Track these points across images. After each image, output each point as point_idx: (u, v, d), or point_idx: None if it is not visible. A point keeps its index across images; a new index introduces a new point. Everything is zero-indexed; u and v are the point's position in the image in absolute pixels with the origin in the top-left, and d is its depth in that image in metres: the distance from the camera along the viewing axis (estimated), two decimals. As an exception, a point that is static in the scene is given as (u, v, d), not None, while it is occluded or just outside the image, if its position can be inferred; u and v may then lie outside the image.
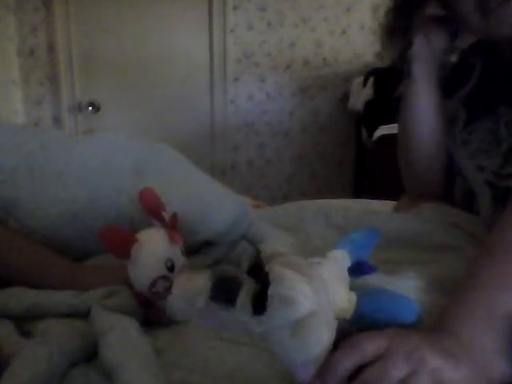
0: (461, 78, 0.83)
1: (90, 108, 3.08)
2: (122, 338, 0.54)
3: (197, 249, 0.90)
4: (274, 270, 0.42)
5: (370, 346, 0.44)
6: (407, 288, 0.55)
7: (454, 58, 0.83)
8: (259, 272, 0.42)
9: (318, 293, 0.42)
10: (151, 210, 0.68)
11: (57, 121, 3.09)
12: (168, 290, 0.64)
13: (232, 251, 0.92)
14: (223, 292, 0.42)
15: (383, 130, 2.51)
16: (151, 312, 0.66)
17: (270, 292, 0.40)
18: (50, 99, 3.06)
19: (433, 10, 0.76)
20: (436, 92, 0.80)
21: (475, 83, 0.81)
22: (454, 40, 0.78)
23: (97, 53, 3.04)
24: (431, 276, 0.60)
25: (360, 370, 0.43)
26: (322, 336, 0.42)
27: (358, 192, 3.22)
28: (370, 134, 2.89)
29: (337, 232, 0.93)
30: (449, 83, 0.82)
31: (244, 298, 0.41)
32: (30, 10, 2.91)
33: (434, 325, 0.49)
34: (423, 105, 0.79)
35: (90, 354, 0.57)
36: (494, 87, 0.76)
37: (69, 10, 2.93)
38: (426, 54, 0.77)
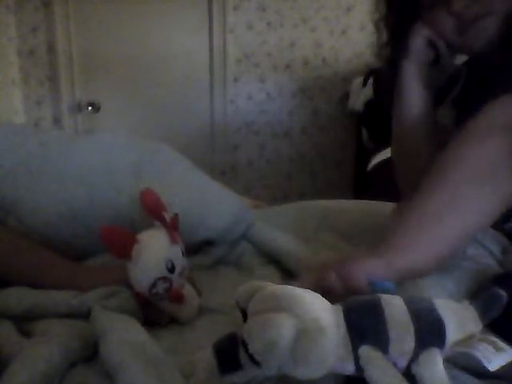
0: (450, 84, 0.87)
1: (90, 108, 3.08)
2: (123, 338, 0.54)
3: (197, 249, 0.90)
4: (245, 327, 0.45)
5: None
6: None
7: (453, 61, 0.85)
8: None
9: (300, 316, 0.45)
10: (152, 210, 0.68)
11: (57, 121, 3.09)
12: (168, 290, 0.64)
13: (232, 251, 0.93)
14: (229, 362, 0.45)
15: (378, 159, 2.47)
16: (151, 312, 0.66)
17: (249, 352, 0.43)
18: (50, 99, 3.06)
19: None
20: (427, 93, 0.82)
21: (462, 87, 0.85)
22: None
23: (97, 53, 3.04)
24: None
25: None
26: (319, 353, 0.44)
27: (358, 192, 3.22)
28: (370, 135, 2.89)
29: (336, 233, 0.93)
30: (439, 91, 0.85)
31: (244, 359, 0.44)
32: (30, 10, 2.91)
33: None
34: (415, 103, 0.82)
35: (90, 354, 0.57)
36: (478, 88, 0.78)
37: (69, 10, 2.93)
38: (419, 53, 0.79)
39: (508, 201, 0.63)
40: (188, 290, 0.69)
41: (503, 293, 0.49)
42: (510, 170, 0.61)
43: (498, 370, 0.45)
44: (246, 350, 0.44)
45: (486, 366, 0.45)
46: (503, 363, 0.45)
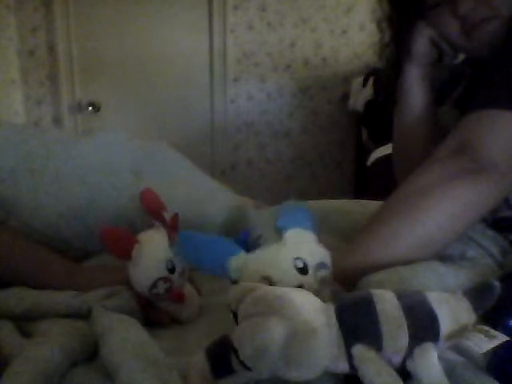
0: (452, 84, 0.86)
1: (90, 108, 3.08)
2: (123, 338, 0.54)
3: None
4: (235, 333, 0.45)
5: None
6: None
7: (455, 61, 0.85)
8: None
9: (291, 318, 0.44)
10: (152, 210, 0.68)
11: (57, 121, 3.09)
12: (168, 291, 0.64)
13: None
14: (222, 367, 0.45)
15: (378, 153, 2.47)
16: (151, 313, 0.66)
17: (240, 358, 0.43)
18: (50, 99, 3.06)
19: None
20: (429, 94, 0.82)
21: (465, 86, 0.84)
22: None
23: (97, 53, 3.04)
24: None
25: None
26: (312, 355, 0.44)
27: (358, 192, 3.22)
28: (370, 135, 2.89)
29: (336, 234, 0.93)
30: (441, 90, 0.84)
31: (236, 364, 0.44)
32: (29, 10, 2.91)
33: None
34: (417, 103, 0.82)
35: (90, 354, 0.57)
36: (480, 88, 0.78)
37: (69, 10, 2.93)
38: (422, 55, 0.79)
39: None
40: (188, 290, 0.69)
41: (496, 283, 0.49)
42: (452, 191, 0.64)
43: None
44: (237, 356, 0.43)
45: (477, 351, 0.45)
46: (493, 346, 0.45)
